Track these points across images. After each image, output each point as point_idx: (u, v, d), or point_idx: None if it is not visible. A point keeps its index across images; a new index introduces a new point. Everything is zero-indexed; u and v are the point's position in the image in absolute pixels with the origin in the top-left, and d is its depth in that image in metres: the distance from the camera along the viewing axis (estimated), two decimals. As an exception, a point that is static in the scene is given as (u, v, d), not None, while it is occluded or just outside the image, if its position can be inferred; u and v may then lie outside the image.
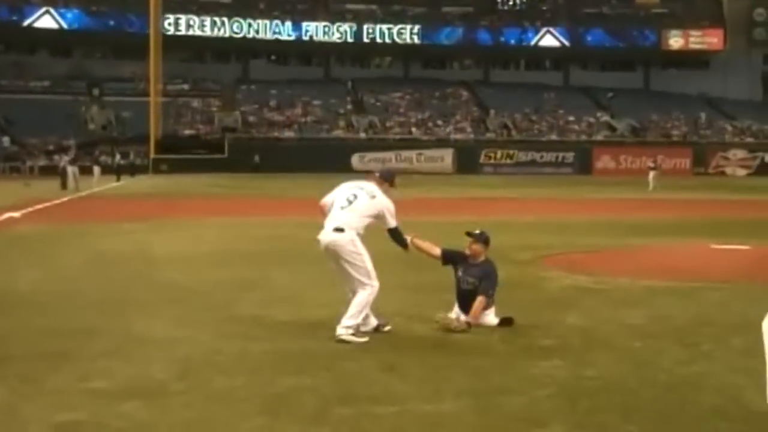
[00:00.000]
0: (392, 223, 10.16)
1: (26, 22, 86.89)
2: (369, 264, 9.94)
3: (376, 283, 9.95)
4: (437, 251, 10.87)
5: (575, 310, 11.70)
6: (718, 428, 6.82)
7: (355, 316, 9.75)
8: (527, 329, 10.41)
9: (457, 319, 10.26)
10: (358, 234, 9.97)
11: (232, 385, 7.93)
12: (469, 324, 10.17)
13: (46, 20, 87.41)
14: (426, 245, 10.84)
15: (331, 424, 6.86)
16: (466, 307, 10.42)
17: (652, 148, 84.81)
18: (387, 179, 10.47)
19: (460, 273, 10.67)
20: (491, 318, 10.45)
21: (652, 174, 53.47)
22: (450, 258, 10.88)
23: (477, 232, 10.83)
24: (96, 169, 56.21)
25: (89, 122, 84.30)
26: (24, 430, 6.77)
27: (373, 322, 10.08)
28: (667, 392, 7.76)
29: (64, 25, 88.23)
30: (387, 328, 10.14)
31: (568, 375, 8.33)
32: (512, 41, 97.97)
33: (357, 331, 9.73)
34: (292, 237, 20.75)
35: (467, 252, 10.71)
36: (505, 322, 10.40)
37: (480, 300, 10.32)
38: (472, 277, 10.48)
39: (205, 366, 8.65)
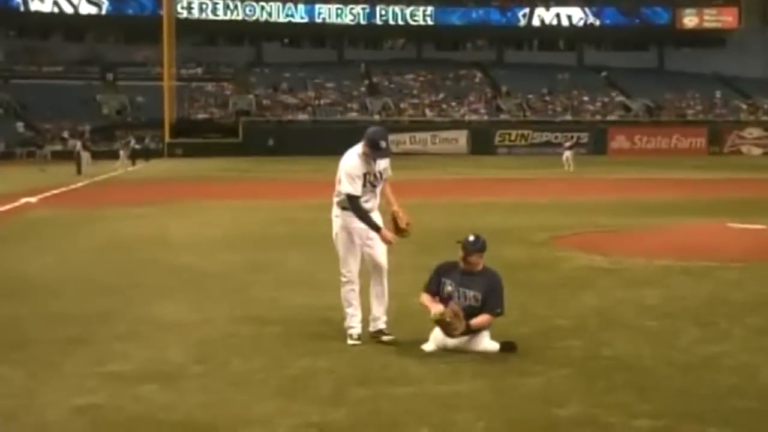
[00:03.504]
0: (343, 187, 8.77)
1: (36, 7, 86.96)
2: (342, 250, 8.94)
3: (345, 276, 8.93)
4: (430, 303, 8.65)
5: (591, 291, 11.68)
6: (735, 407, 6.81)
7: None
8: (543, 310, 10.40)
9: (451, 312, 8.35)
10: (339, 209, 8.91)
11: (249, 368, 7.95)
12: (468, 327, 8.35)
13: (57, 5, 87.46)
14: (427, 302, 8.70)
15: (348, 405, 6.87)
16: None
17: (667, 127, 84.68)
18: (364, 138, 8.86)
19: (450, 287, 8.59)
20: (487, 342, 8.46)
21: (567, 154, 52.00)
22: (435, 284, 8.72)
23: (471, 239, 8.60)
24: (122, 153, 57.61)
25: (103, 107, 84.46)
26: (43, 413, 6.80)
27: (355, 325, 8.94)
28: (684, 372, 7.75)
29: (77, 10, 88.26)
30: (385, 338, 8.89)
31: (584, 355, 8.33)
32: (525, 21, 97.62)
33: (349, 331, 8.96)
34: (306, 220, 20.75)
35: (461, 265, 8.62)
36: (507, 347, 8.44)
37: (488, 318, 8.46)
38: (474, 290, 8.49)
39: (222, 349, 8.68)
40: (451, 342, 8.37)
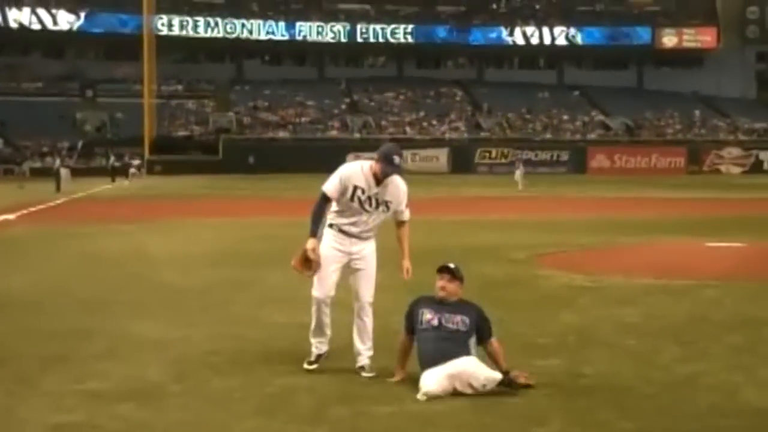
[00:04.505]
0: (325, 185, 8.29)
1: (17, 24, 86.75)
2: (321, 266, 8.29)
3: (314, 293, 8.38)
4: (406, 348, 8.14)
5: (571, 309, 11.69)
6: (715, 425, 6.82)
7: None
8: (523, 328, 10.39)
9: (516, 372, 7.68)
10: (327, 226, 8.41)
11: (228, 386, 7.91)
12: (510, 380, 7.57)
13: (37, 21, 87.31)
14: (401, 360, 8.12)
15: (328, 423, 6.84)
16: (443, 357, 7.61)
17: (646, 146, 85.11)
18: (378, 153, 8.23)
19: (429, 315, 7.88)
20: (484, 370, 7.60)
21: (518, 172, 52.42)
22: (410, 322, 8.09)
23: (451, 265, 8.09)
24: (132, 170, 58.58)
25: (83, 124, 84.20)
26: (21, 431, 6.75)
27: (317, 346, 8.42)
28: (664, 390, 7.75)
29: (57, 27, 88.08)
30: (365, 374, 8.23)
31: (564, 373, 8.32)
32: (505, 40, 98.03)
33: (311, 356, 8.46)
34: (286, 237, 20.66)
35: (440, 294, 7.96)
36: (509, 382, 7.61)
37: (498, 346, 7.94)
38: (460, 314, 7.85)
39: (201, 367, 8.63)
40: (487, 377, 7.51)
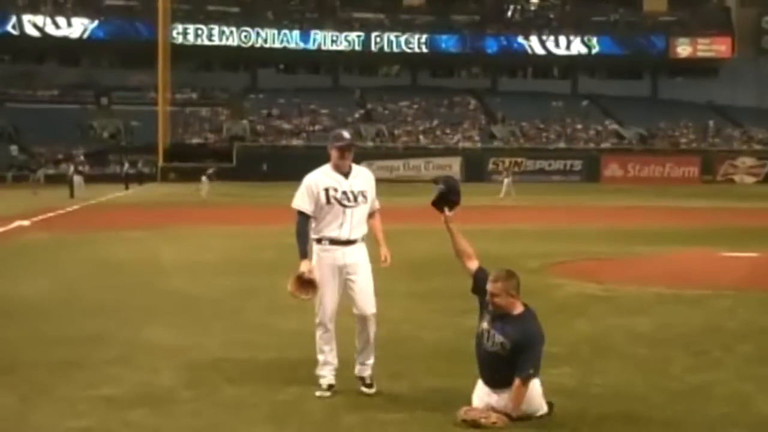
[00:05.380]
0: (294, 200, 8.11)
1: (32, 31, 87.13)
2: (320, 287, 8.02)
3: (318, 315, 8.10)
4: (471, 258, 7.58)
5: (583, 318, 11.68)
6: (727, 436, 6.80)
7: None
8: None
9: (488, 411, 7.01)
10: (314, 242, 8.10)
11: (240, 393, 7.92)
12: (507, 417, 6.98)
13: (53, 29, 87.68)
14: (462, 241, 7.69)
15: (339, 430, 6.85)
16: (490, 378, 7.14)
17: (660, 155, 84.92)
18: (329, 142, 8.22)
19: (485, 323, 7.20)
20: (538, 401, 7.12)
21: (507, 181, 52.19)
22: (479, 285, 7.38)
23: (502, 272, 7.27)
24: (204, 178, 52.28)
25: (97, 131, 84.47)
26: (32, 437, 6.78)
27: (326, 374, 8.02)
28: (676, 400, 7.73)
29: (72, 34, 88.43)
30: (365, 389, 7.97)
31: (576, 383, 8.31)
32: (519, 49, 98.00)
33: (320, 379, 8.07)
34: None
35: (487, 299, 7.20)
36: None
37: (519, 386, 6.95)
38: (504, 336, 7.05)
39: (213, 373, 8.65)
40: (494, 403, 7.06)
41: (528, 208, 39.98)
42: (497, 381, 7.03)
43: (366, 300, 8.02)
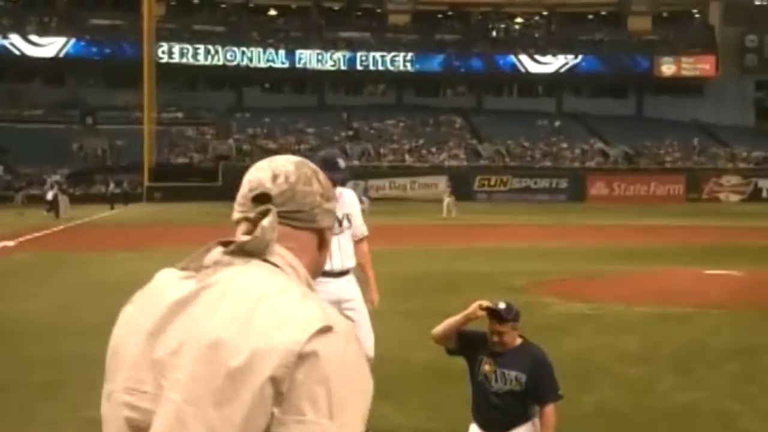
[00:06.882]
0: None
1: (18, 51, 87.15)
2: None
3: None
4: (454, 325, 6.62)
5: (570, 337, 11.69)
6: (714, 454, 6.82)
7: None
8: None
9: None
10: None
11: (227, 413, 7.88)
12: None
13: (38, 49, 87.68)
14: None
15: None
16: (504, 422, 6.36)
17: (645, 174, 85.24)
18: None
19: (485, 367, 6.41)
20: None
21: (448, 200, 51.76)
22: (467, 339, 6.62)
23: (502, 306, 6.41)
24: None
25: (83, 151, 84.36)
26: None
27: None
28: (662, 418, 7.75)
29: (58, 54, 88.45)
30: None
31: (563, 401, 8.30)
32: (505, 68, 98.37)
33: None
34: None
35: (493, 340, 6.38)
36: None
37: (551, 413, 6.34)
38: (515, 369, 6.35)
39: (200, 394, 8.60)
40: None
41: (514, 227, 40.02)
42: (511, 422, 6.37)
43: (366, 340, 7.55)
